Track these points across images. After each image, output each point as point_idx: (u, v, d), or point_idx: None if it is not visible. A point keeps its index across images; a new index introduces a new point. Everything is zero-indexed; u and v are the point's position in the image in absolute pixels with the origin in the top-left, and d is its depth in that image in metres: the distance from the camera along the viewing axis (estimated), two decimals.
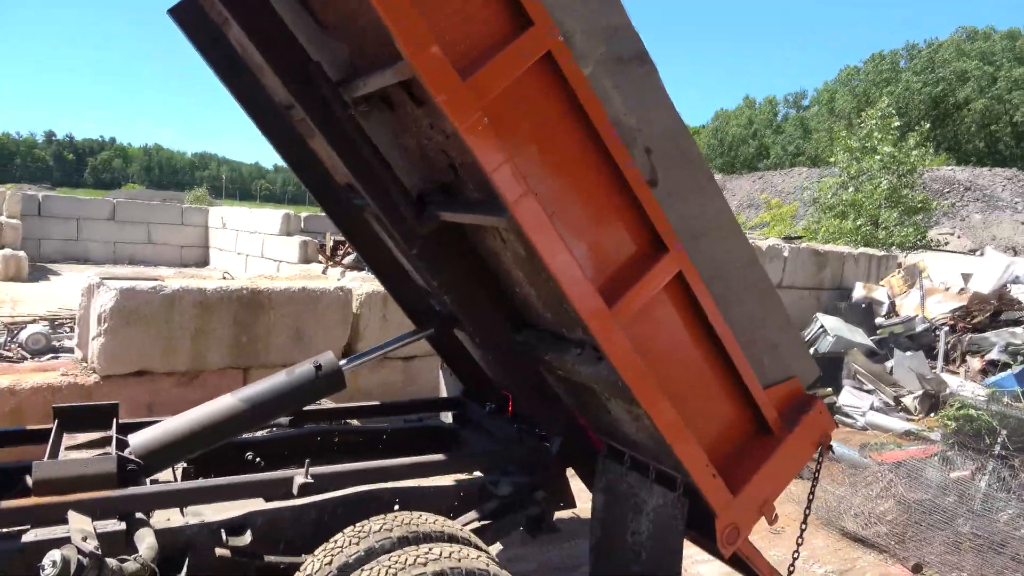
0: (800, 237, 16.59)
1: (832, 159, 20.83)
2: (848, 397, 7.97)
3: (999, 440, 5.14)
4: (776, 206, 20.86)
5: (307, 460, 2.68)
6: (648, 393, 2.41)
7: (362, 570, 2.21)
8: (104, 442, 2.85)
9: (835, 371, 8.31)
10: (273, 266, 15.86)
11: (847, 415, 7.69)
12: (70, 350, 6.99)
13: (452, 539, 2.43)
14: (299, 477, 2.63)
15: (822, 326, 9.48)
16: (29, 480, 2.40)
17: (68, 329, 7.88)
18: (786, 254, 10.59)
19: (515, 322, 3.09)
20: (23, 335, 7.08)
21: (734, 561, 2.98)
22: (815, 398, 2.84)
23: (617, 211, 2.37)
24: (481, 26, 2.08)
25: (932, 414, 7.73)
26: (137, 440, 2.74)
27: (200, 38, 3.07)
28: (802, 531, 2.97)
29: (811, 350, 9.16)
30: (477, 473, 3.21)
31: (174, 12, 3.00)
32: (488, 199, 2.45)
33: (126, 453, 2.68)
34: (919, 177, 19.10)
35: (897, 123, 19.01)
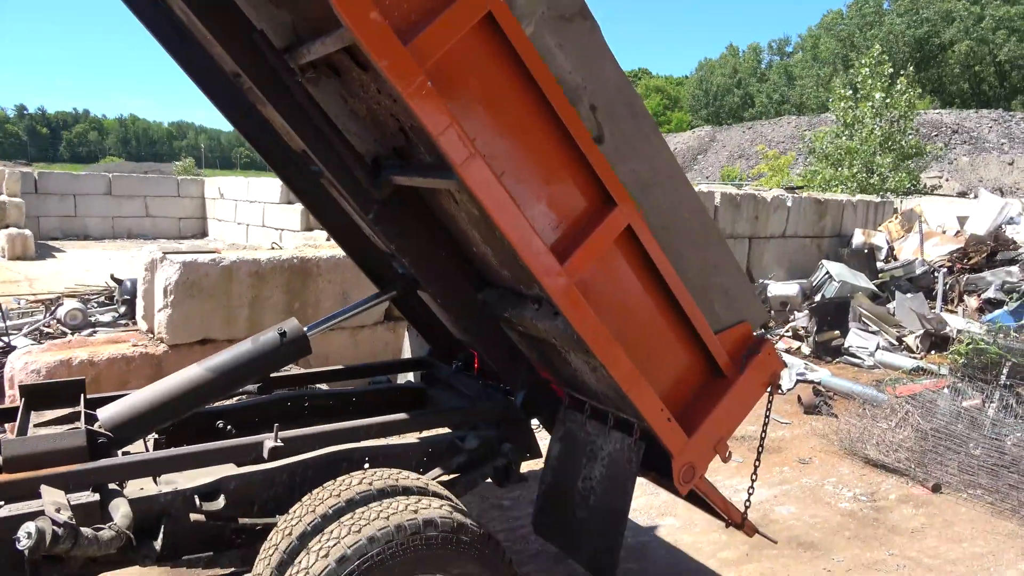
0: (801, 187, 16.85)
1: (830, 105, 20.99)
2: (855, 339, 8.29)
3: (1004, 371, 5.44)
4: (774, 157, 21.10)
5: (276, 424, 2.74)
6: (603, 345, 2.49)
7: (325, 532, 2.29)
8: (73, 418, 2.89)
9: (842, 315, 8.59)
10: (275, 235, 15.92)
11: (855, 355, 7.98)
12: (107, 324, 7.32)
13: (422, 492, 2.52)
14: (269, 441, 2.69)
15: (827, 272, 9.77)
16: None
17: (95, 304, 8.11)
18: (789, 204, 10.84)
19: (476, 281, 3.15)
20: (60, 312, 7.18)
21: (692, 497, 3.12)
22: (765, 340, 2.96)
23: (566, 169, 2.42)
24: None
25: (933, 352, 8.07)
26: (106, 414, 2.77)
27: (142, 7, 3.02)
28: (756, 467, 3.11)
29: (819, 295, 9.43)
30: (445, 430, 3.29)
31: None
32: (440, 162, 2.47)
33: (95, 427, 2.72)
34: (910, 122, 19.40)
35: (890, 69, 19.21)
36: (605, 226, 2.47)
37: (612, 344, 2.51)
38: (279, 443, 2.69)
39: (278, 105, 2.61)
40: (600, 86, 2.44)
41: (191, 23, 3.17)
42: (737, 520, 3.07)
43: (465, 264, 3.15)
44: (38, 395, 2.98)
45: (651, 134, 2.60)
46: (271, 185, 17.36)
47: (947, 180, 29.74)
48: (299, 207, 15.90)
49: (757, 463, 3.12)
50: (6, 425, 2.93)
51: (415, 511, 2.33)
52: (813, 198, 11.52)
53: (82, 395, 3.02)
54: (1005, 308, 8.87)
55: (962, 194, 26.21)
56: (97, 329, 7.08)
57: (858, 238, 11.45)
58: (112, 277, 8.83)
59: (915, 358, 7.88)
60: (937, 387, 5.71)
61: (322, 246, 6.23)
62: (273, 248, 5.89)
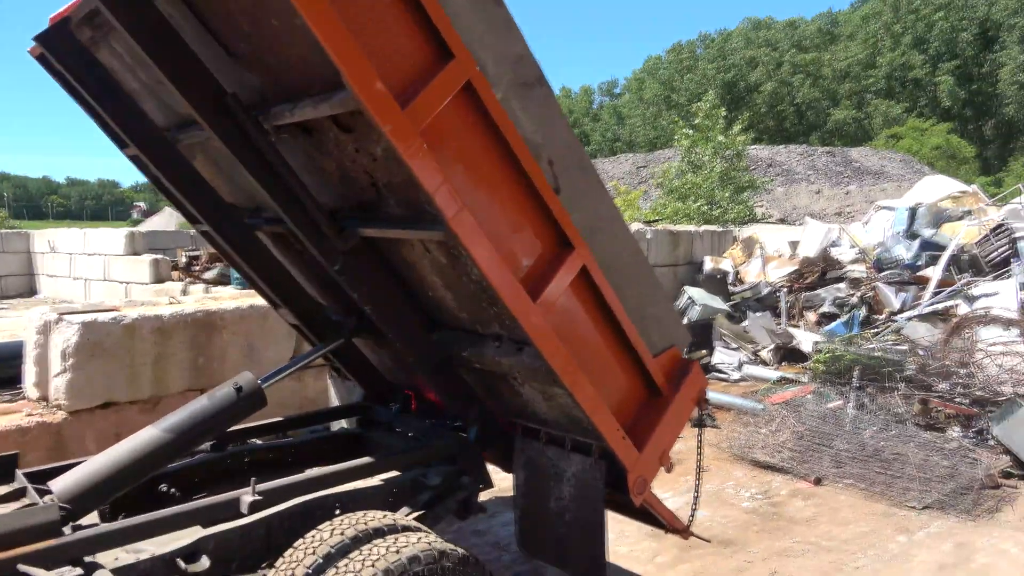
0: (657, 220, 18.09)
1: (676, 144, 22.93)
2: (721, 356, 9.20)
3: (856, 374, 6.22)
4: (624, 192, 22.63)
5: (252, 478, 2.75)
6: (571, 374, 2.76)
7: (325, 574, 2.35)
8: (18, 494, 2.75)
9: (707, 335, 9.64)
10: (121, 289, 14.86)
11: (721, 371, 8.80)
12: None
13: (396, 530, 2.63)
14: (246, 496, 2.70)
15: (690, 297, 10.70)
16: None
17: None
18: (649, 236, 11.75)
19: (427, 324, 3.32)
20: None
21: (638, 512, 3.43)
22: (692, 361, 3.35)
23: (531, 217, 2.69)
24: (410, 60, 2.30)
25: (784, 362, 9.00)
26: (59, 486, 2.66)
27: (72, 64, 2.99)
28: (698, 475, 3.48)
29: (684, 319, 10.23)
30: (393, 472, 3.38)
31: (42, 39, 2.91)
32: (412, 214, 2.66)
33: (47, 500, 2.61)
34: (743, 159, 21.64)
35: (724, 112, 21.42)
36: (566, 267, 2.75)
37: (578, 372, 2.78)
38: (258, 497, 2.70)
39: (246, 162, 2.69)
40: (556, 144, 2.74)
41: (120, 78, 3.18)
42: (681, 527, 3.42)
43: (416, 308, 3.31)
44: None
45: (596, 185, 2.93)
46: (112, 236, 16.34)
47: (766, 208, 33.03)
48: (148, 258, 15.07)
49: (699, 475, 3.49)
50: None
51: (397, 551, 2.44)
52: (668, 230, 12.54)
53: (16, 469, 2.88)
54: (839, 320, 10.08)
55: (782, 220, 29.18)
56: None
57: (708, 265, 12.55)
58: None
59: (772, 369, 8.79)
60: (804, 393, 6.47)
61: (222, 297, 6.07)
62: (171, 303, 5.67)
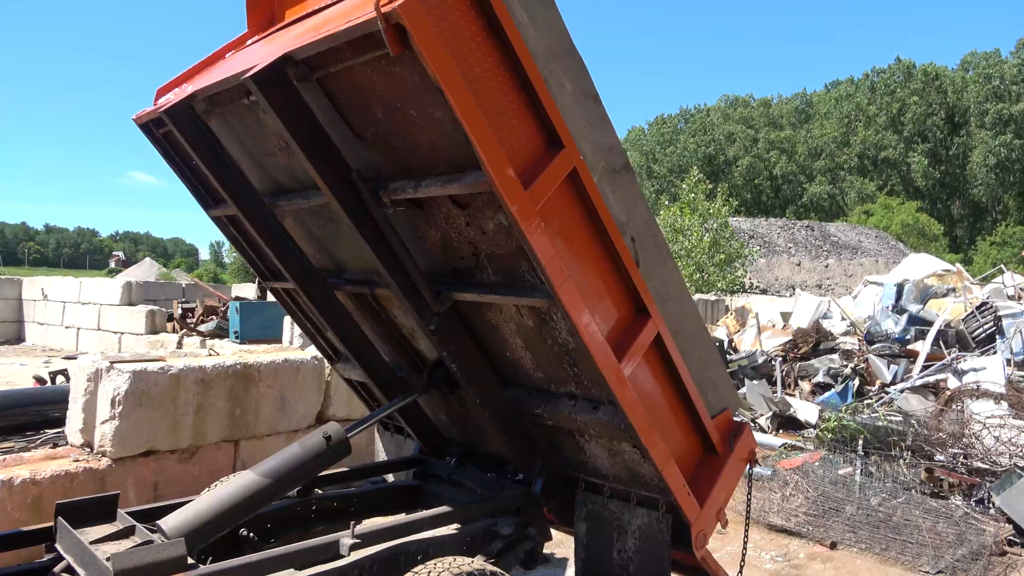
0: None
1: (660, 216, 23.87)
2: None
3: (860, 442, 6.45)
4: None
5: (352, 522, 2.95)
6: (647, 432, 3.01)
7: None
8: (127, 531, 2.90)
9: None
10: (114, 339, 14.84)
11: None
12: None
13: (492, 575, 2.83)
14: (346, 539, 2.89)
15: None
16: None
17: None
18: None
19: (499, 381, 3.56)
20: None
21: (684, 567, 3.62)
22: (744, 423, 3.61)
23: (615, 286, 2.98)
24: (529, 148, 2.63)
25: (780, 430, 9.19)
26: (171, 523, 2.83)
27: (192, 136, 3.29)
28: (746, 534, 3.70)
29: None
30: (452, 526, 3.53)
31: (170, 112, 3.21)
32: (508, 281, 2.94)
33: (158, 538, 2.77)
34: (730, 228, 22.54)
35: (709, 186, 22.42)
36: (645, 333, 3.03)
37: (653, 430, 3.04)
38: (357, 539, 2.89)
39: (362, 230, 2.96)
40: (637, 221, 3.06)
41: (226, 146, 3.47)
42: None
43: (491, 367, 3.55)
44: (72, 512, 2.96)
45: (667, 258, 3.25)
46: (108, 286, 16.45)
47: (749, 278, 33.93)
48: (144, 308, 15.16)
49: (746, 533, 3.72)
50: (57, 545, 2.86)
51: None
52: None
53: (118, 508, 3.04)
54: (834, 390, 10.42)
55: (763, 291, 29.94)
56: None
57: None
58: None
59: (772, 436, 9.04)
60: (814, 459, 6.74)
61: (258, 351, 6.25)
62: (210, 355, 5.86)
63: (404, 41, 2.19)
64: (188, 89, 3.29)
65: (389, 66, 2.41)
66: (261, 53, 2.99)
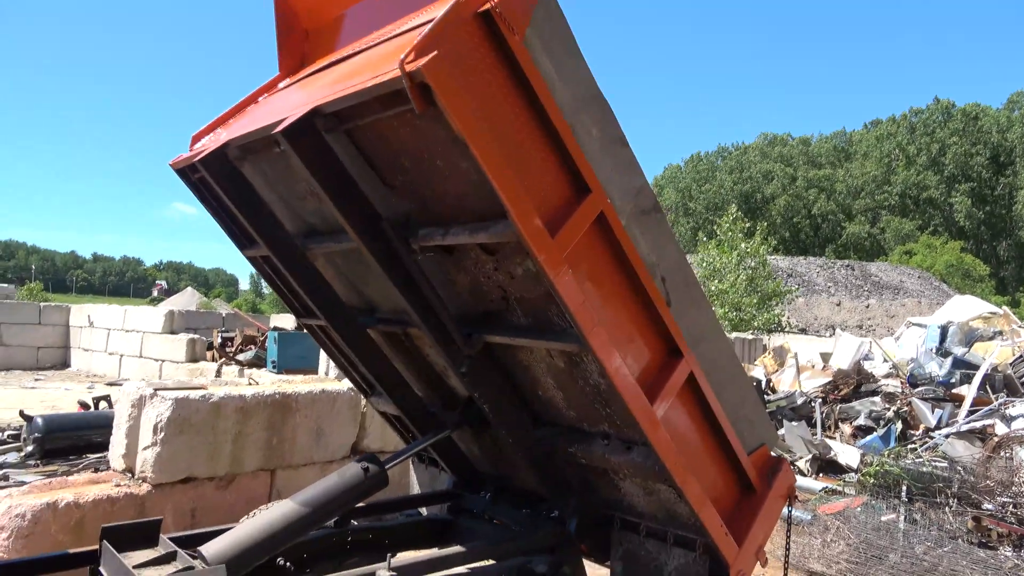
0: None
1: (697, 253, 23.90)
2: None
3: (903, 489, 6.33)
4: None
5: (388, 554, 2.99)
6: (681, 473, 3.01)
7: None
8: (169, 557, 2.97)
9: None
10: (155, 366, 15.20)
11: None
12: (13, 465, 6.83)
13: None
14: (382, 571, 2.93)
15: None
16: None
17: None
18: None
19: (532, 420, 3.60)
20: None
21: None
22: (782, 459, 3.59)
23: (647, 328, 3.02)
24: (556, 194, 2.69)
25: (820, 474, 8.99)
26: (212, 550, 2.90)
27: (225, 183, 3.43)
28: (785, 572, 3.65)
29: None
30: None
31: (204, 161, 3.36)
32: (538, 324, 3.00)
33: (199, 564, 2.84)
34: (768, 267, 22.42)
35: (747, 224, 22.42)
36: (677, 374, 3.06)
37: (687, 471, 3.04)
38: (393, 572, 2.93)
39: (392, 276, 3.05)
40: (668, 262, 3.11)
41: (261, 190, 3.60)
42: None
43: (522, 406, 3.59)
44: (116, 535, 3.04)
45: (700, 298, 3.28)
46: (152, 314, 16.80)
47: (788, 318, 33.46)
48: (184, 337, 15.46)
49: (786, 567, 3.66)
50: (101, 568, 2.96)
51: None
52: None
53: (160, 534, 3.12)
54: (876, 434, 10.17)
55: (802, 331, 29.48)
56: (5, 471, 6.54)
57: None
58: (21, 414, 8.30)
59: (812, 479, 8.84)
60: (855, 504, 6.58)
61: (295, 381, 6.34)
62: (250, 384, 5.97)
63: (429, 98, 2.24)
64: (223, 136, 3.42)
65: (415, 119, 2.48)
66: (292, 101, 3.12)
